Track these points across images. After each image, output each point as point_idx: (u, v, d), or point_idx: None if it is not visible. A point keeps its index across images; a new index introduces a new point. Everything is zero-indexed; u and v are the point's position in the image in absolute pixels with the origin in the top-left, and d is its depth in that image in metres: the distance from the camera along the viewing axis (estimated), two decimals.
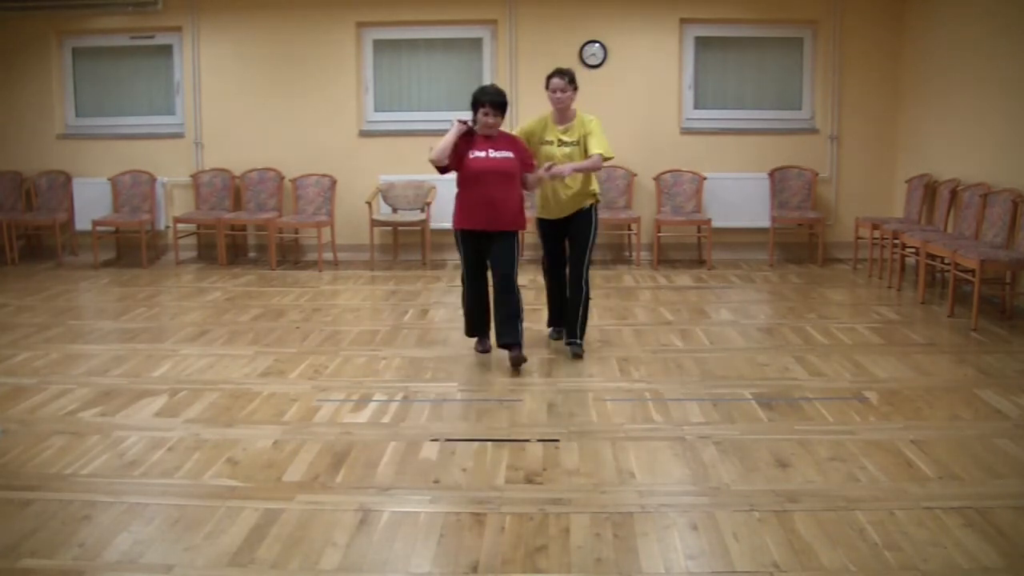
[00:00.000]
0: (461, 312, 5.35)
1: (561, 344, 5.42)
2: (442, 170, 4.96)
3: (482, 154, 4.90)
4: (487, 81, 8.60)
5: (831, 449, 3.81)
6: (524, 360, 4.96)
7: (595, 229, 5.18)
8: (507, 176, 4.91)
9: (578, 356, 5.20)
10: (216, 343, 5.67)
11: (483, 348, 5.29)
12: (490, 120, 4.90)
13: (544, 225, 5.28)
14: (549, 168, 4.88)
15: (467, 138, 4.94)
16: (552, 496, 3.40)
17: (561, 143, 5.08)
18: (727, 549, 2.97)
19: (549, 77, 5.06)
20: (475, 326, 5.22)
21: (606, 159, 5.01)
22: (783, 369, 5.01)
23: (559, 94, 5.02)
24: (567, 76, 5.04)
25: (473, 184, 4.91)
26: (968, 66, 7.09)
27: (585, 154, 5.04)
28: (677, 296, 6.99)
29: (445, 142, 4.87)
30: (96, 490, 3.46)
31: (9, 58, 8.85)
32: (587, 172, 5.06)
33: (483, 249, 4.98)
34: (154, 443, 3.95)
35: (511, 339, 4.95)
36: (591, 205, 5.17)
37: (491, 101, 4.90)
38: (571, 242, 5.22)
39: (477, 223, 4.91)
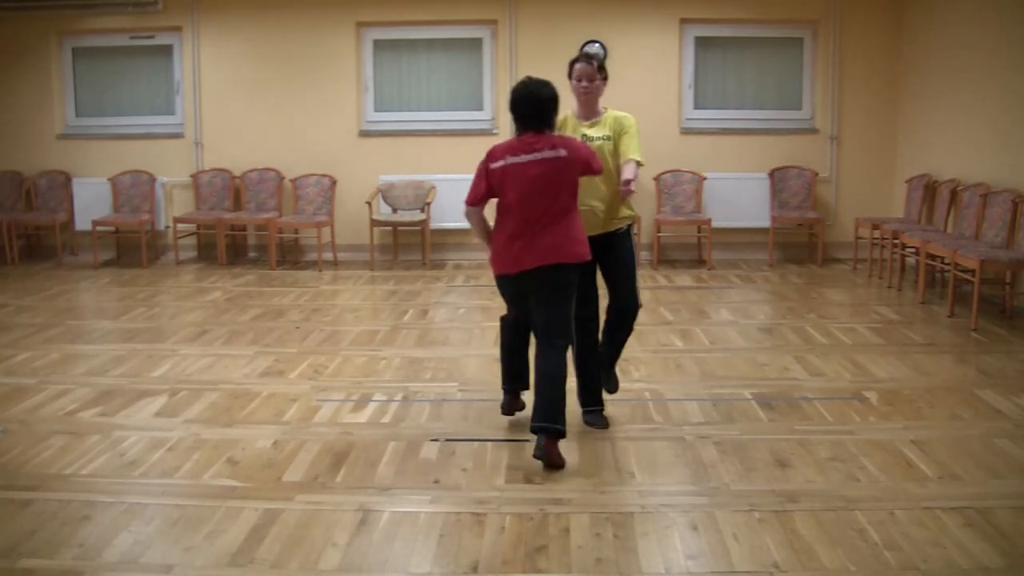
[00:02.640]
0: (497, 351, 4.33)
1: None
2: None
3: (508, 161, 3.60)
4: (487, 81, 8.62)
5: (831, 449, 3.81)
6: (556, 461, 3.58)
7: (633, 256, 4.14)
8: (550, 183, 3.54)
9: (602, 426, 4.09)
10: (216, 343, 5.67)
11: (509, 409, 4.07)
12: (584, 85, 3.85)
13: None
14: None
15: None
16: (552, 496, 3.40)
17: (586, 139, 4.00)
18: (727, 549, 2.97)
19: (572, 63, 4.02)
20: (510, 379, 4.05)
21: (639, 166, 4.00)
22: (783, 369, 5.01)
23: (585, 83, 3.97)
24: (595, 61, 4.01)
25: (503, 208, 3.69)
26: (968, 66, 7.09)
27: (618, 156, 4.02)
28: (677, 296, 6.98)
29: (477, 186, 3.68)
30: (96, 490, 3.46)
31: (9, 58, 8.84)
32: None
33: (525, 299, 3.72)
34: (154, 443, 3.95)
35: (546, 422, 3.58)
36: (628, 226, 4.14)
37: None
38: (608, 272, 4.13)
39: (506, 265, 3.67)
